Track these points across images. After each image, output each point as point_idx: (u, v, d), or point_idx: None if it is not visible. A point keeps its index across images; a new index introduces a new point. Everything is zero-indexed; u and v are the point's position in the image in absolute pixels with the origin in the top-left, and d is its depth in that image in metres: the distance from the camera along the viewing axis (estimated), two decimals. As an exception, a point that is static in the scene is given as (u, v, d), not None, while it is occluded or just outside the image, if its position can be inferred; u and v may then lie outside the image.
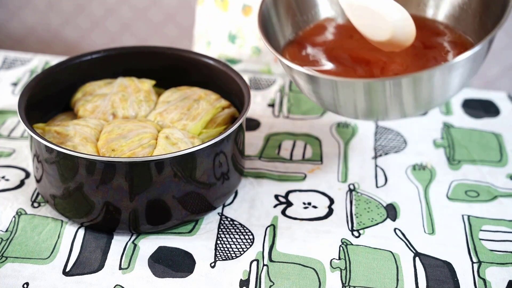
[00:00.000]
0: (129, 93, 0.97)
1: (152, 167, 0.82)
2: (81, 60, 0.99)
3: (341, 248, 0.87)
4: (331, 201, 0.94)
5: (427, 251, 0.87)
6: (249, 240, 0.88)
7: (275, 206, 0.93)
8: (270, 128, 1.08)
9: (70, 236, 0.87)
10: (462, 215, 0.92)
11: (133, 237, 0.87)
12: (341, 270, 0.84)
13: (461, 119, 1.10)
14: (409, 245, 0.87)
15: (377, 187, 0.97)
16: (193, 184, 0.85)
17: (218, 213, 0.91)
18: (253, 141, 1.04)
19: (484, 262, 0.85)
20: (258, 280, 0.82)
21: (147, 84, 0.99)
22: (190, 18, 1.91)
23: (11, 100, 1.12)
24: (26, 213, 0.90)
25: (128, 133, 0.89)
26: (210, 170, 0.86)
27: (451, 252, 0.87)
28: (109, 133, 0.89)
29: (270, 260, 0.85)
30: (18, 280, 0.81)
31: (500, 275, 0.84)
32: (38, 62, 1.22)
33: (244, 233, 0.89)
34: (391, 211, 0.93)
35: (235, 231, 0.89)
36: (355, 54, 0.88)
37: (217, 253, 0.86)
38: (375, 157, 1.02)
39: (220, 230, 0.89)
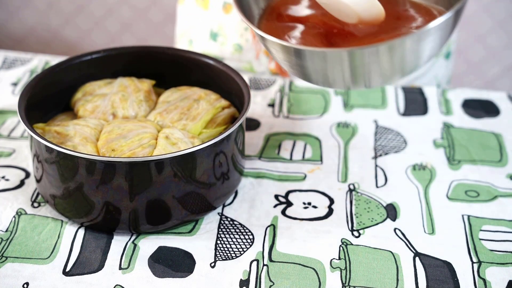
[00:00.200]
0: (129, 93, 0.97)
1: (152, 167, 0.82)
2: (81, 60, 0.99)
3: (341, 248, 0.87)
4: (331, 201, 0.94)
5: (427, 251, 0.87)
6: (249, 240, 0.88)
7: (275, 206, 0.93)
8: (270, 128, 1.08)
9: (70, 236, 0.87)
10: (462, 215, 0.92)
11: (133, 237, 0.87)
12: (341, 270, 0.84)
13: (461, 119, 1.10)
14: (409, 245, 0.87)
15: (377, 187, 0.97)
16: (193, 184, 0.85)
17: (218, 213, 0.91)
18: (253, 141, 1.04)
19: (484, 262, 0.85)
20: (258, 280, 0.82)
21: (147, 84, 0.99)
22: (190, 18, 1.91)
23: (11, 100, 1.12)
24: (26, 213, 0.90)
25: (128, 133, 0.89)
26: (210, 170, 0.86)
27: (451, 252, 0.87)
28: (109, 133, 0.89)
29: (270, 260, 0.85)
30: (18, 280, 0.81)
31: (500, 275, 0.84)
32: (38, 62, 1.22)
33: (244, 233, 0.89)
34: (391, 211, 0.92)
35: (235, 231, 0.89)
36: (331, 24, 0.89)
37: (217, 253, 0.86)
38: (375, 157, 1.02)
39: (220, 230, 0.89)
